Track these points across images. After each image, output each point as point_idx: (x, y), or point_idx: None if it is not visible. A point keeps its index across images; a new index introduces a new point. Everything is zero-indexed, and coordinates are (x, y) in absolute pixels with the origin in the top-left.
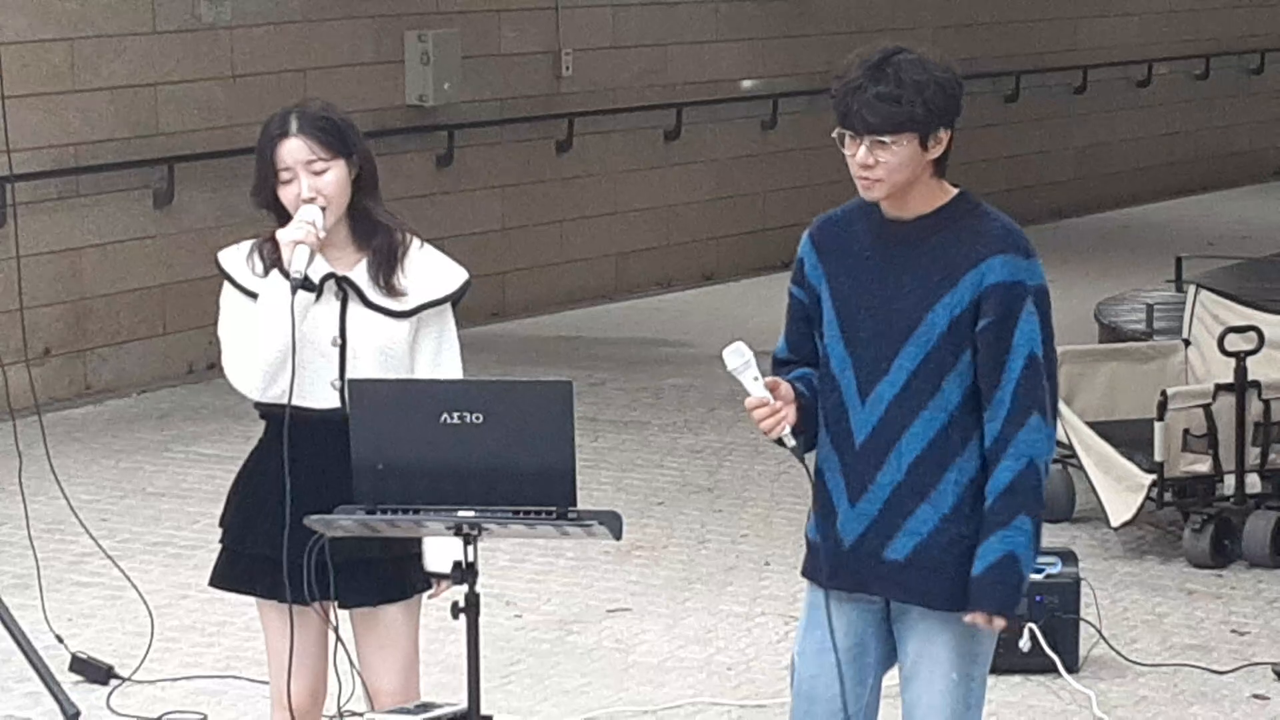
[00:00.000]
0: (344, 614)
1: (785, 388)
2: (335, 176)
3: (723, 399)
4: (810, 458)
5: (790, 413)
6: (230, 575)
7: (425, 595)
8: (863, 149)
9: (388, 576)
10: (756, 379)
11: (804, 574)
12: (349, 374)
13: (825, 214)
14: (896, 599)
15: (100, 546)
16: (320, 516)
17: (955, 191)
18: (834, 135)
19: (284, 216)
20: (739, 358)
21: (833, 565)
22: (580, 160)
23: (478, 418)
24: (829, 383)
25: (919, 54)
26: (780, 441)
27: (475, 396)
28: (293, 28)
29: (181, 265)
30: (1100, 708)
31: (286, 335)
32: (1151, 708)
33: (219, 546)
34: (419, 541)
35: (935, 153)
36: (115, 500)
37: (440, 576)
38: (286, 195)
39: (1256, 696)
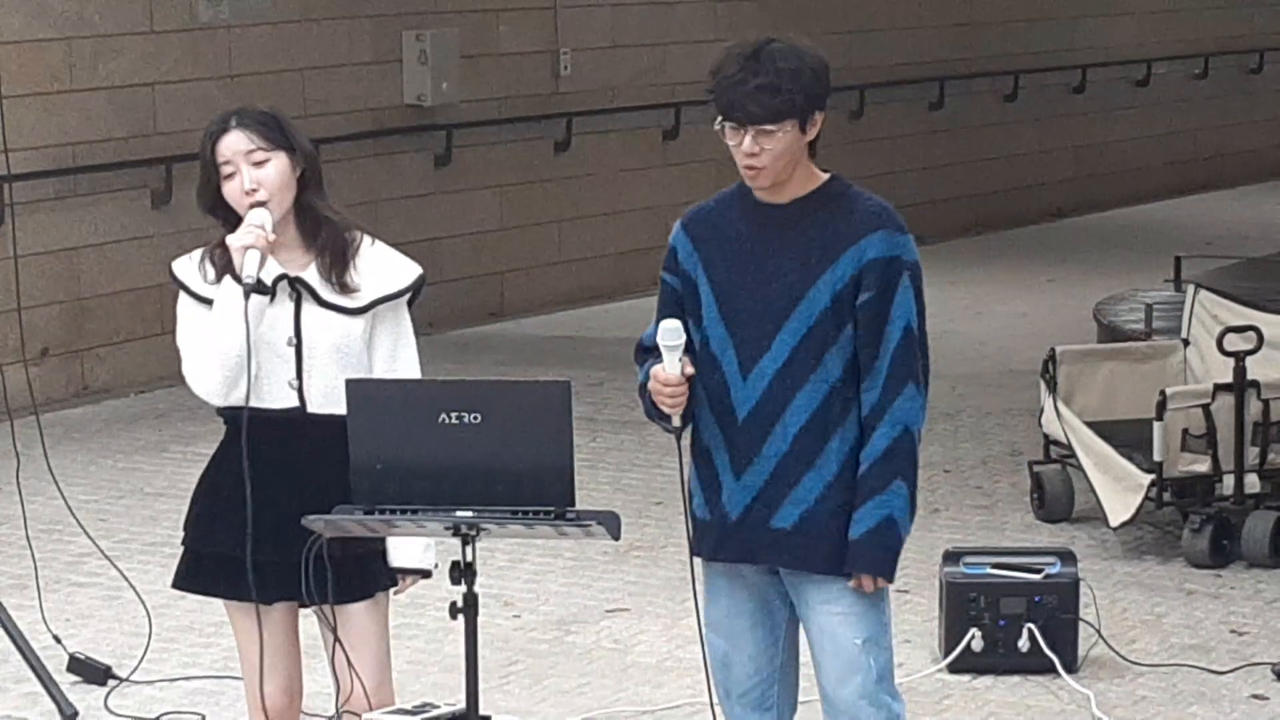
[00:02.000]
0: (312, 614)
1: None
2: (276, 168)
3: None
4: (686, 436)
5: (684, 392)
6: (193, 576)
7: (391, 592)
8: (748, 139)
9: (349, 575)
10: (681, 360)
11: (694, 553)
12: (305, 374)
13: (696, 205)
14: (784, 566)
15: (98, 547)
16: (319, 516)
17: (827, 175)
18: (715, 128)
19: (231, 220)
20: (676, 336)
21: (719, 537)
22: (578, 160)
23: (476, 418)
24: (709, 363)
25: (789, 41)
26: (666, 420)
27: (473, 396)
28: (291, 27)
29: None
30: (1099, 708)
31: (242, 340)
32: (1150, 708)
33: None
34: (382, 540)
35: (812, 134)
36: (113, 500)
37: (406, 572)
38: (230, 191)
39: (1255, 697)
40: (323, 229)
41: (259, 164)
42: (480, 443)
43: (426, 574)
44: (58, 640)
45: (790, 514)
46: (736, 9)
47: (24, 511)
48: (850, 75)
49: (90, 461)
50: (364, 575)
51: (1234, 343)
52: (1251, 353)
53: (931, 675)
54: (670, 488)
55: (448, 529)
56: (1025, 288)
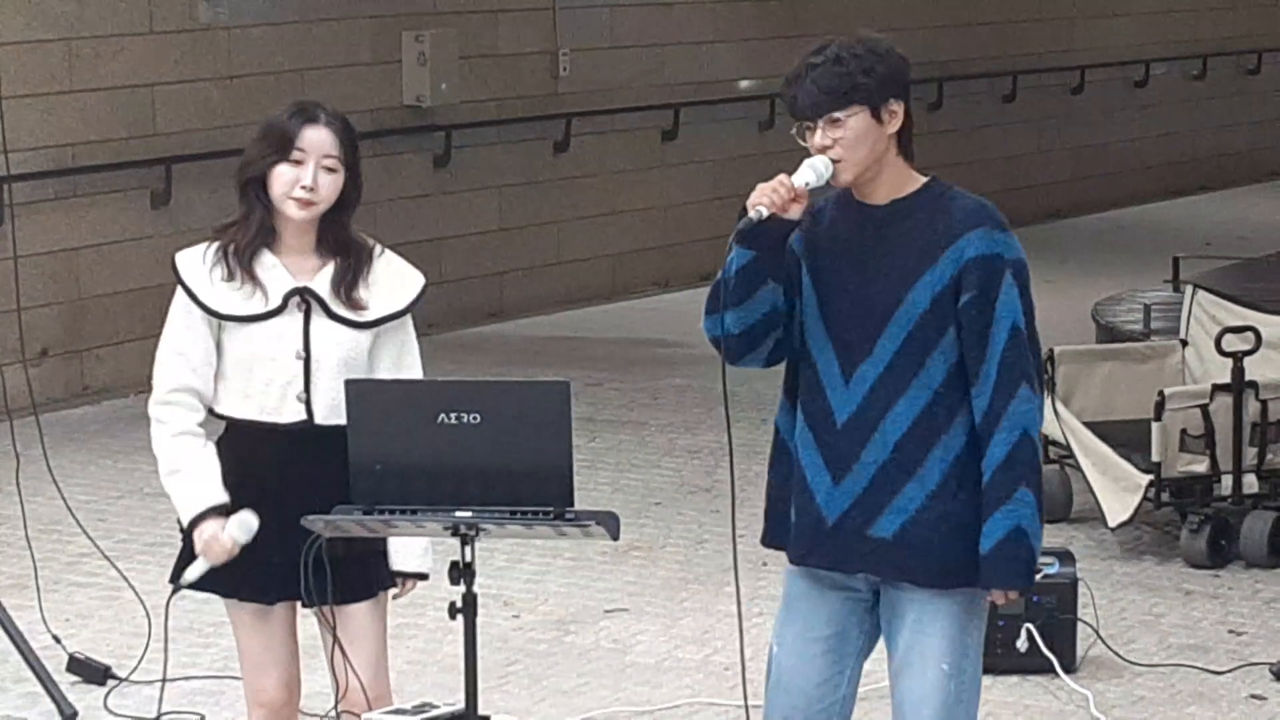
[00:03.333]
0: (309, 614)
1: (799, 209)
2: (336, 182)
3: (720, 399)
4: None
5: (791, 208)
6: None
7: (390, 594)
8: (819, 133)
9: (352, 575)
10: (809, 184)
11: (773, 546)
12: (313, 386)
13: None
14: (883, 576)
15: (98, 547)
16: (319, 516)
17: (926, 178)
18: (793, 133)
19: (261, 201)
20: (826, 168)
21: (812, 541)
22: (577, 160)
23: (475, 418)
24: (804, 358)
25: (857, 33)
26: (746, 212)
27: (472, 397)
28: (290, 28)
29: None
30: (1098, 708)
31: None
32: (1149, 708)
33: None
34: (384, 540)
35: (892, 126)
36: (112, 500)
37: (406, 575)
38: (285, 174)
39: (1254, 696)
40: (348, 248)
41: (329, 169)
42: (479, 443)
43: (424, 577)
44: (57, 640)
45: (891, 523)
46: (736, 10)
47: (23, 511)
48: None
49: (89, 461)
50: (366, 575)
51: (1232, 343)
52: (1249, 353)
53: None
54: (669, 488)
55: (447, 529)
56: None
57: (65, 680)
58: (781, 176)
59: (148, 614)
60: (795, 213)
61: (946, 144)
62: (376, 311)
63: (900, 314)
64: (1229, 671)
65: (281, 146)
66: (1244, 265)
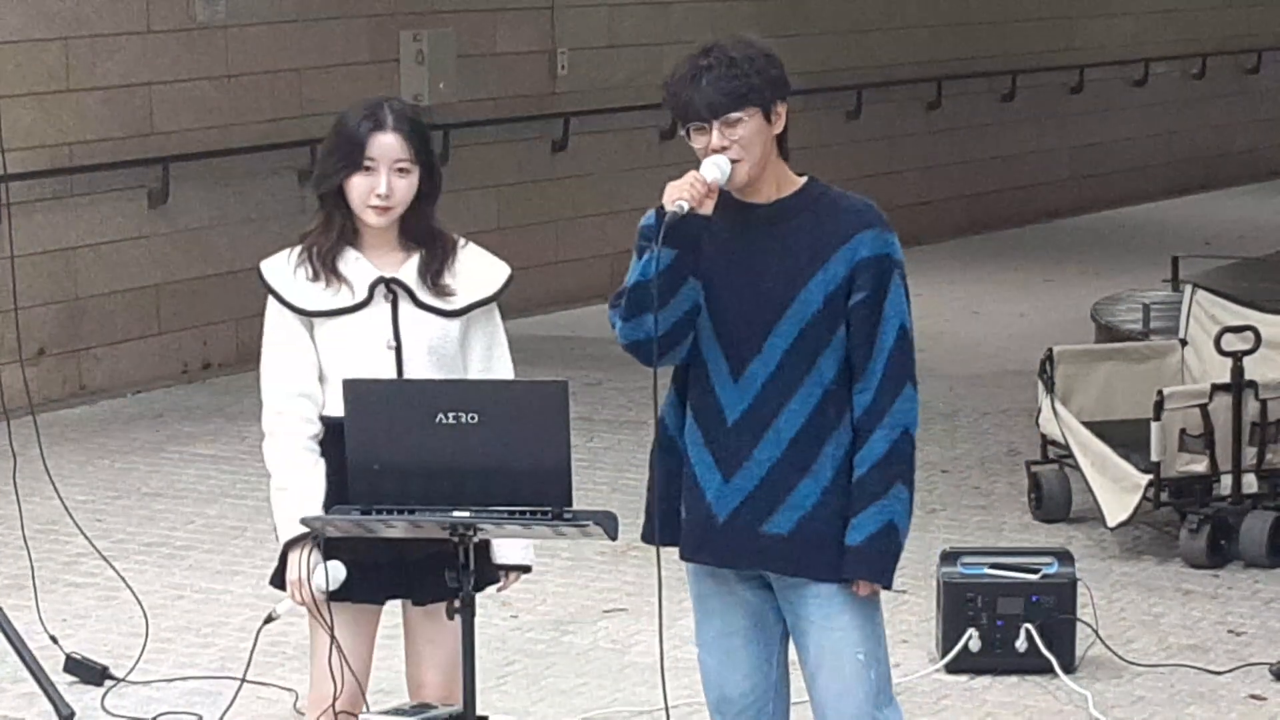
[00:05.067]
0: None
1: (711, 204)
2: (411, 182)
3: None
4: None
5: (706, 203)
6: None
7: (494, 588)
8: (714, 134)
9: (440, 574)
10: (717, 179)
11: (650, 542)
12: (404, 376)
13: None
14: (782, 573)
15: (95, 547)
16: (316, 516)
17: (805, 177)
18: (681, 134)
19: (340, 209)
20: (725, 166)
21: (701, 538)
22: (576, 160)
23: (473, 418)
24: (693, 356)
25: (740, 35)
26: (663, 209)
27: (471, 396)
28: (288, 27)
29: (176, 265)
30: (1096, 708)
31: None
32: (1148, 708)
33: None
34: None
35: (778, 127)
36: (110, 501)
37: (510, 568)
38: (360, 184)
39: (1253, 697)
40: (434, 239)
41: (401, 171)
42: (477, 443)
43: (527, 569)
44: (54, 640)
45: (787, 520)
46: (733, 9)
47: (20, 511)
48: (847, 75)
49: (87, 461)
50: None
51: (1231, 343)
52: (1249, 353)
53: (929, 675)
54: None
55: (444, 529)
56: (1023, 288)
57: (62, 680)
58: (693, 173)
59: (145, 614)
60: (708, 208)
61: (945, 143)
62: (464, 299)
63: (792, 313)
64: (1228, 672)
65: (352, 158)
66: (1243, 264)
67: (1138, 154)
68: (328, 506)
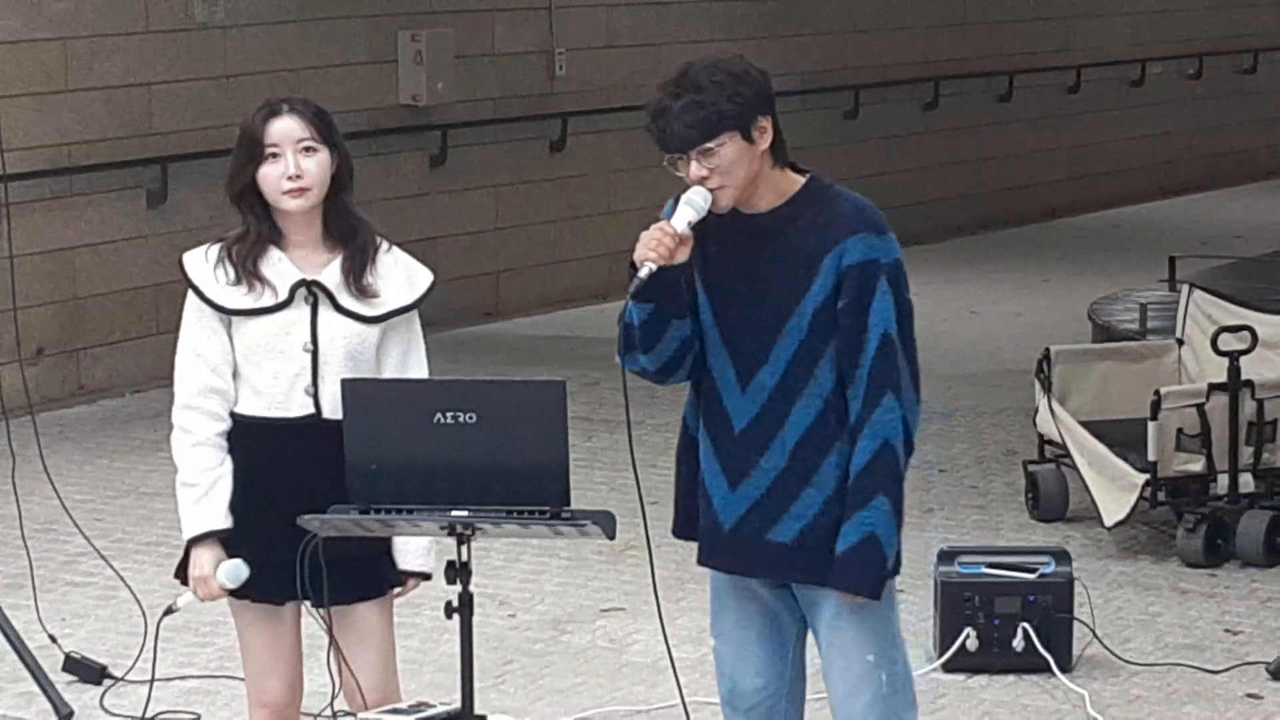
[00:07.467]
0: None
1: (686, 252)
2: (320, 162)
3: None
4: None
5: (678, 253)
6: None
7: (395, 592)
8: (694, 165)
9: (362, 574)
10: (690, 223)
11: (687, 538)
12: (320, 380)
13: None
14: (794, 580)
15: (94, 546)
16: (315, 516)
17: (805, 177)
18: (664, 164)
19: (255, 210)
20: (704, 199)
21: (710, 544)
22: (574, 160)
23: (471, 417)
24: (703, 364)
25: (713, 58)
26: (636, 267)
27: (469, 396)
28: (286, 27)
29: (175, 265)
30: (1094, 707)
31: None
32: (1145, 707)
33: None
34: (390, 539)
35: (764, 143)
36: (109, 500)
37: (410, 574)
38: (268, 174)
39: (1250, 696)
40: (358, 231)
41: (308, 152)
42: (476, 442)
43: (427, 576)
44: (53, 640)
45: (789, 529)
46: (730, 9)
47: (19, 511)
48: (845, 75)
49: (86, 461)
50: (375, 574)
51: (1228, 342)
52: (1246, 352)
53: (926, 674)
54: (665, 487)
55: (443, 528)
56: (1020, 287)
57: (61, 680)
58: (663, 224)
59: (144, 613)
60: (683, 256)
61: (943, 144)
62: (385, 305)
63: (792, 324)
64: (1225, 670)
65: (254, 149)
66: (1240, 264)
67: (1134, 154)
68: (232, 505)
